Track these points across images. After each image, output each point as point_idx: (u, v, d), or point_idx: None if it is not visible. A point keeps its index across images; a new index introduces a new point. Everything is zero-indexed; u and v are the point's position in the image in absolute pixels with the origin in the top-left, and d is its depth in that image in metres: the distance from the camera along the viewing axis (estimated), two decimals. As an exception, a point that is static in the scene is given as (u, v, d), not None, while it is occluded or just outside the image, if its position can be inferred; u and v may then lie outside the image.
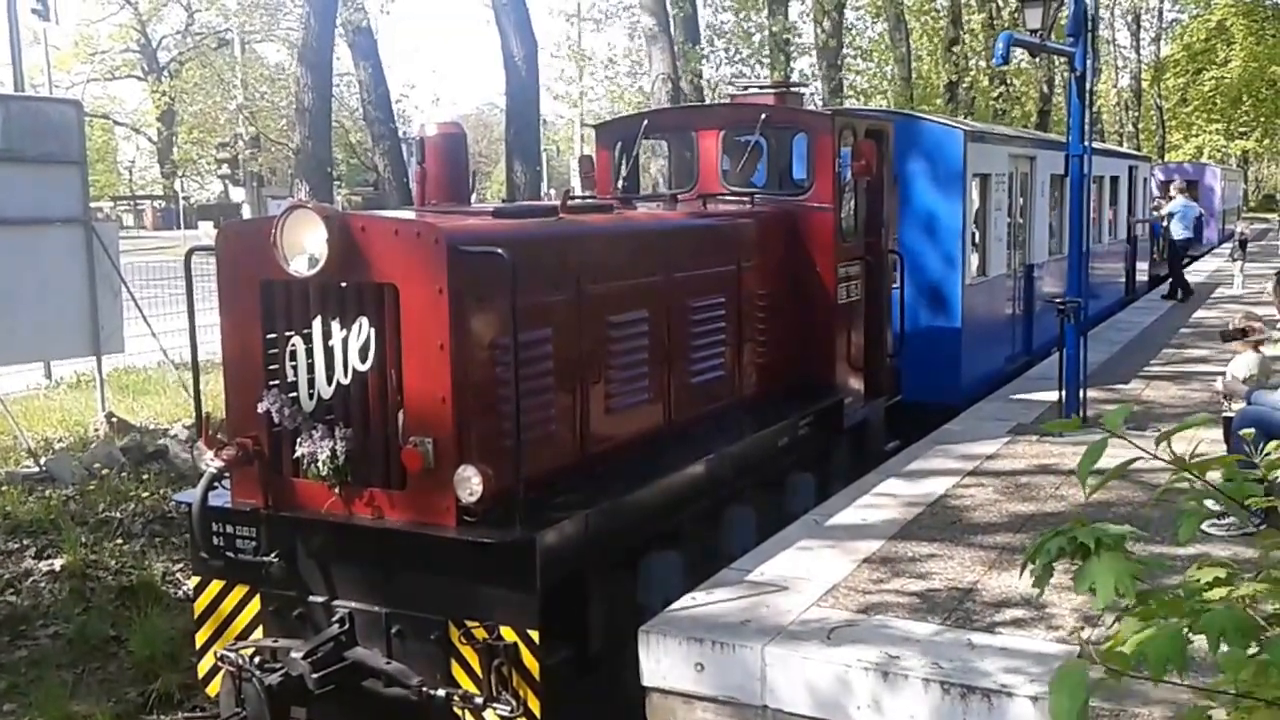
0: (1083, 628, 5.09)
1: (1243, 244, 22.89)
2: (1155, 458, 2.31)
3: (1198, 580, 2.35)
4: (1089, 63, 9.42)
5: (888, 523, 6.95)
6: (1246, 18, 43.50)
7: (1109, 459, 2.27)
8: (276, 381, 5.52)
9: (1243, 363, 7.27)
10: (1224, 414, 7.30)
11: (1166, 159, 48.60)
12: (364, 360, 5.31)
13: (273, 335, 5.56)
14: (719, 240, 7.67)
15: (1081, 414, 9.43)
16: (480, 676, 5.14)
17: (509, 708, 5.06)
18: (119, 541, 8.82)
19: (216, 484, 5.63)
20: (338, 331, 5.34)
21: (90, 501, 9.38)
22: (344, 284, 5.32)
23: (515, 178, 16.61)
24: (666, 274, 6.86)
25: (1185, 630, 2.03)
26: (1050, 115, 33.94)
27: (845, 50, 27.18)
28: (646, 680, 5.31)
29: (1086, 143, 9.48)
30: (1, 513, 9.02)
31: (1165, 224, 19.87)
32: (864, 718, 4.84)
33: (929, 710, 4.70)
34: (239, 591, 5.74)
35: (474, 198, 7.03)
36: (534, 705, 5.10)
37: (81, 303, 11.20)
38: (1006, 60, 9.57)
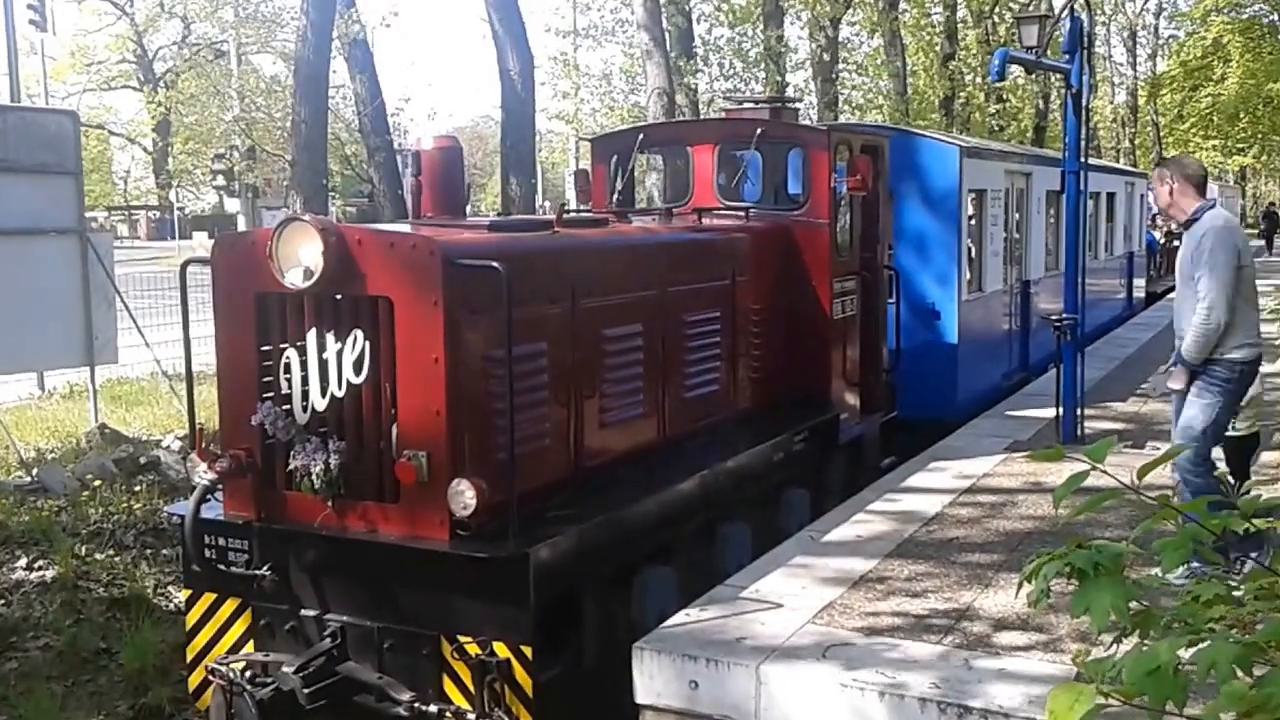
0: (1088, 651, 5.05)
1: None
2: (1136, 491, 2.29)
3: (1196, 597, 2.33)
4: (1085, 79, 9.43)
5: (883, 540, 6.92)
6: (1243, 35, 43.63)
7: (1105, 476, 2.25)
8: (270, 394, 5.50)
9: None
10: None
11: (1162, 175, 48.56)
12: (358, 373, 5.29)
13: (267, 347, 5.54)
14: (714, 254, 7.67)
15: (1080, 431, 9.43)
16: (473, 692, 5.11)
17: (501, 724, 5.03)
18: (111, 553, 8.76)
19: (209, 496, 5.60)
20: (332, 344, 5.32)
21: (82, 512, 9.33)
22: (339, 296, 5.31)
23: (510, 191, 16.59)
24: (661, 288, 6.85)
25: (1179, 664, 2.00)
26: (1046, 131, 34.04)
27: (840, 65, 27.24)
28: (640, 698, 5.28)
29: (1083, 159, 9.49)
30: (-7, 523, 8.98)
31: (1162, 241, 19.95)
32: (859, 736, 4.81)
33: (924, 729, 4.67)
34: (230, 605, 5.71)
35: (468, 210, 7.01)
36: (526, 722, 5.07)
37: (75, 313, 11.17)
38: (1002, 77, 9.58)
